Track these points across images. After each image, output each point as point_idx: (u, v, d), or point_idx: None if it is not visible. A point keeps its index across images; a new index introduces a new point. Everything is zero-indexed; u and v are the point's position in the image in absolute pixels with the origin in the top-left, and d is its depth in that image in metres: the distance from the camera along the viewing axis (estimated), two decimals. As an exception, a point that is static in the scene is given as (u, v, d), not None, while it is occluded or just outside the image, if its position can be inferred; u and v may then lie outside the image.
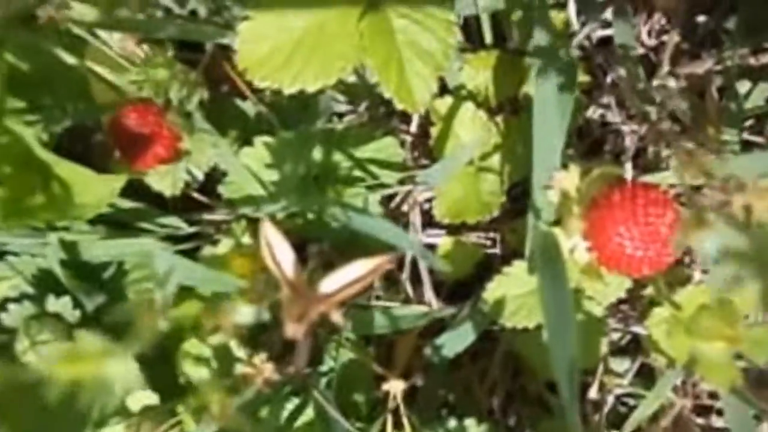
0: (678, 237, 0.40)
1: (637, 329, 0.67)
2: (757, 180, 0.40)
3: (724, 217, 0.37)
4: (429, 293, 0.63)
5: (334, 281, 0.38)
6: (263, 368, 0.41)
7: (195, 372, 0.35)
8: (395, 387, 0.51)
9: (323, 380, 0.58)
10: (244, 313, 0.34)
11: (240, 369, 0.42)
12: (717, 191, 0.42)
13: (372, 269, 0.39)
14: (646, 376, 0.68)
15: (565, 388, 0.39)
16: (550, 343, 0.41)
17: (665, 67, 0.59)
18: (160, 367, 0.62)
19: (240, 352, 0.46)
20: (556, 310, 0.42)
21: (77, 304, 0.60)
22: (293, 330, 0.34)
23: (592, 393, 0.67)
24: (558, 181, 0.49)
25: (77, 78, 0.63)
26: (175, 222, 0.66)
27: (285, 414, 0.55)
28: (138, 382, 0.27)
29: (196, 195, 0.69)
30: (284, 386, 0.53)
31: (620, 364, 0.70)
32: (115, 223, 0.65)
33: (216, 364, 0.45)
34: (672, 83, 0.59)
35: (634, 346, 0.71)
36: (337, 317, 0.37)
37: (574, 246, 0.48)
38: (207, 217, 0.69)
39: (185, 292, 0.60)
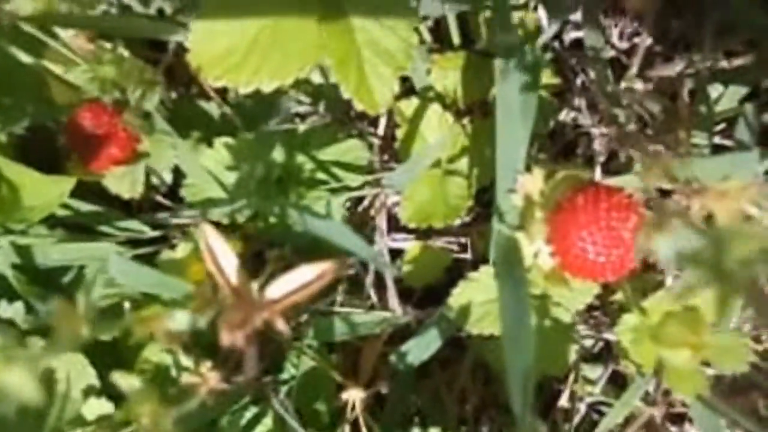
0: (639, 241, 0.39)
1: (608, 336, 0.66)
2: (718, 183, 0.39)
3: (684, 220, 0.36)
4: (393, 300, 0.61)
5: (280, 287, 0.37)
6: (208, 377, 0.39)
7: (125, 382, 0.33)
8: (355, 396, 0.50)
9: (284, 388, 0.56)
10: (179, 320, 0.33)
11: (186, 377, 0.40)
12: (679, 194, 0.41)
13: (319, 275, 0.37)
14: (620, 383, 0.67)
15: (518, 399, 0.38)
16: (505, 352, 0.40)
17: (633, 70, 0.58)
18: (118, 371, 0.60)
19: (187, 360, 0.44)
20: (514, 317, 0.41)
21: (31, 309, 0.58)
22: (230, 338, 0.32)
23: (563, 401, 0.66)
24: (522, 184, 0.48)
25: (35, 78, 0.61)
26: (136, 225, 0.64)
27: (243, 423, 0.53)
28: (33, 394, 0.25)
29: (159, 198, 0.67)
30: (242, 395, 0.51)
31: (593, 371, 0.69)
32: (76, 227, 0.64)
33: (150, 373, 0.44)
34: (640, 86, 0.58)
35: (607, 353, 0.69)
36: (281, 325, 0.35)
37: (538, 251, 0.47)
38: (173, 221, 0.68)
39: (149, 298, 0.58)
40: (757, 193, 0.36)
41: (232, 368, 0.44)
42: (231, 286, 0.36)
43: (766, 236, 0.32)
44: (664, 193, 0.43)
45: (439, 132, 0.59)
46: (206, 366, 0.40)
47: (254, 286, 0.37)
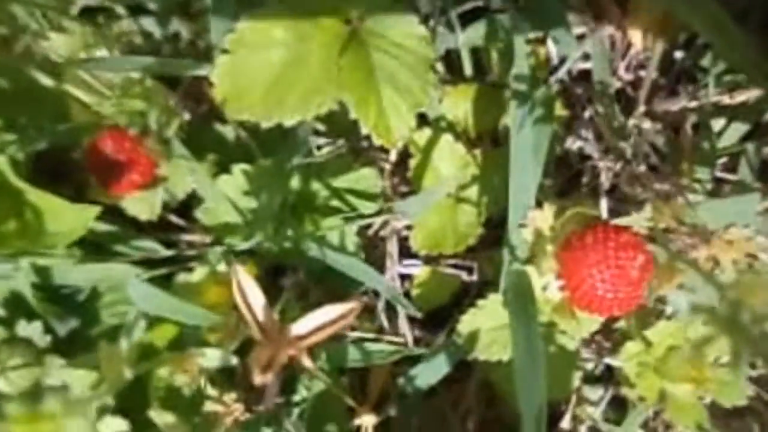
0: (651, 287, 0.40)
1: (610, 360, 0.68)
2: (723, 231, 0.40)
3: (694, 268, 0.38)
4: (404, 325, 0.63)
5: (306, 324, 0.38)
6: (233, 408, 0.41)
7: (159, 417, 0.35)
8: (367, 421, 0.51)
9: (296, 410, 0.57)
10: (211, 357, 0.34)
11: (209, 406, 0.42)
12: (685, 238, 0.43)
13: (344, 313, 0.39)
14: (620, 404, 0.69)
15: (531, 429, 0.39)
16: (517, 383, 0.42)
17: (641, 107, 0.60)
18: (132, 390, 0.62)
19: (210, 389, 0.45)
20: (526, 351, 0.43)
21: (49, 328, 0.59)
22: (261, 378, 0.34)
23: (565, 423, 0.68)
24: (532, 219, 0.49)
25: (55, 99, 0.62)
26: (151, 245, 0.65)
27: (257, 445, 0.55)
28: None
29: (173, 218, 0.68)
30: (259, 422, 0.52)
31: (594, 392, 0.71)
32: (91, 245, 0.65)
33: (185, 405, 0.45)
34: (647, 125, 0.59)
35: (608, 376, 0.71)
36: (307, 362, 0.37)
37: (547, 284, 0.49)
38: (185, 238, 0.69)
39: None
40: (760, 243, 0.38)
41: (251, 396, 0.45)
42: (259, 324, 0.37)
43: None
44: (666, 231, 0.45)
45: (450, 162, 0.61)
46: (231, 396, 0.41)
47: (279, 322, 0.39)
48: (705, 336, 0.30)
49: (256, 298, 0.37)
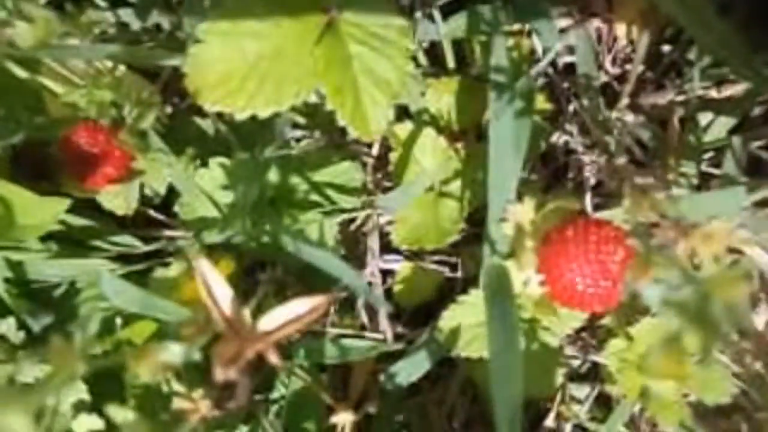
0: (626, 280, 0.39)
1: (595, 358, 0.67)
2: (704, 224, 0.39)
3: (669, 262, 0.37)
4: (383, 322, 0.62)
5: (273, 319, 0.37)
6: (200, 405, 0.40)
7: (118, 413, 0.34)
8: (344, 419, 0.50)
9: (274, 407, 0.56)
10: (174, 352, 0.33)
11: (177, 403, 0.41)
12: (667, 232, 0.42)
13: (313, 307, 0.38)
14: (607, 402, 0.68)
15: (505, 427, 0.38)
16: (492, 380, 0.41)
17: (624, 100, 0.59)
18: (109, 386, 0.61)
19: (178, 385, 0.44)
20: (503, 346, 0.42)
21: (23, 325, 0.58)
22: (223, 373, 0.33)
23: (549, 421, 0.67)
24: (513, 213, 0.48)
25: (31, 92, 0.61)
26: (128, 240, 0.64)
27: (233, 442, 0.54)
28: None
29: (152, 212, 0.67)
30: (232, 420, 0.51)
31: (580, 390, 0.70)
32: (67, 240, 0.64)
33: (163, 402, 0.44)
34: (630, 117, 0.58)
35: (594, 373, 0.70)
36: (273, 357, 0.36)
37: (528, 279, 0.48)
38: (165, 233, 0.68)
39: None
40: (741, 236, 0.37)
41: (224, 394, 0.44)
42: (225, 318, 0.36)
43: (748, 282, 0.33)
44: (651, 225, 0.44)
45: (432, 156, 0.60)
46: (198, 393, 0.40)
47: (247, 316, 0.38)
48: (677, 330, 0.29)
49: (223, 291, 0.36)
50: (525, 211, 0.48)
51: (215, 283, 0.37)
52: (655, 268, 0.39)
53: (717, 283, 0.29)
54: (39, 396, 0.26)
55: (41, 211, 0.51)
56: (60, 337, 0.30)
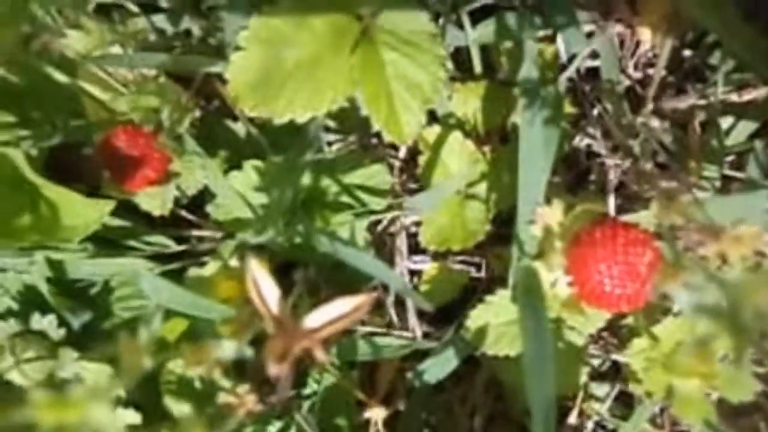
0: (656, 283, 0.41)
1: (617, 357, 0.68)
2: (732, 227, 0.41)
3: (699, 266, 0.38)
4: (413, 320, 0.63)
5: (319, 317, 0.39)
6: (246, 399, 0.41)
7: (175, 406, 0.35)
8: (376, 414, 0.52)
9: (306, 403, 0.58)
10: (227, 349, 0.35)
11: (223, 398, 0.42)
12: (694, 235, 0.43)
13: (356, 306, 0.39)
14: (626, 401, 0.70)
15: (540, 424, 0.40)
16: (527, 379, 0.42)
17: (649, 105, 0.61)
18: (143, 383, 0.62)
19: (223, 380, 0.46)
20: (535, 347, 0.43)
21: (63, 321, 0.60)
22: (276, 369, 0.34)
23: (572, 419, 0.68)
24: (541, 216, 0.50)
25: (68, 95, 0.63)
26: (162, 240, 0.66)
27: (267, 437, 0.55)
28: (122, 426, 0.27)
29: (184, 213, 0.69)
30: (271, 413, 0.53)
31: (600, 389, 0.71)
32: (103, 240, 0.66)
33: (197, 397, 0.45)
34: (655, 123, 0.60)
35: (614, 372, 0.72)
36: (320, 354, 0.38)
37: (556, 280, 0.49)
38: (195, 233, 0.70)
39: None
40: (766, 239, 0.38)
41: (265, 388, 0.46)
42: (273, 317, 0.38)
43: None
44: (676, 228, 0.45)
45: (459, 159, 0.61)
46: (244, 388, 0.42)
47: (292, 315, 0.39)
48: (709, 333, 0.31)
49: (270, 290, 0.38)
50: (553, 214, 0.50)
51: (263, 282, 0.38)
52: (683, 271, 0.41)
53: (747, 286, 0.30)
54: (112, 391, 0.28)
55: (86, 213, 0.53)
56: (126, 334, 0.32)
